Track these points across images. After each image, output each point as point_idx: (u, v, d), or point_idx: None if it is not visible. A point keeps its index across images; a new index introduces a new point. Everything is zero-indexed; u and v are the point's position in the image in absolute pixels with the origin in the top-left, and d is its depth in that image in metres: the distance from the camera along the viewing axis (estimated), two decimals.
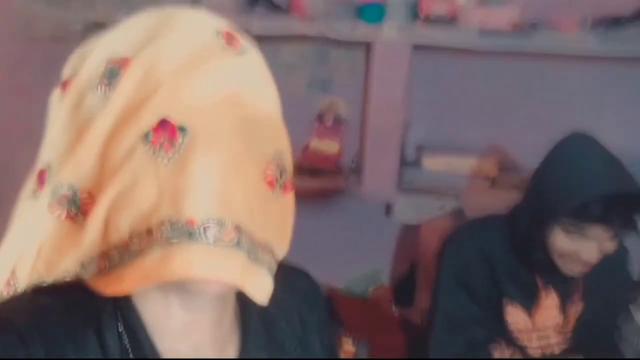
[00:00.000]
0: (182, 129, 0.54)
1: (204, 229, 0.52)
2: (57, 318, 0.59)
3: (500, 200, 2.06)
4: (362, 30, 2.03)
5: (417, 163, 2.24)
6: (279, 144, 0.61)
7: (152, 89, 0.55)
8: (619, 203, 1.36)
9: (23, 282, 0.61)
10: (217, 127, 0.55)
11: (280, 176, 0.60)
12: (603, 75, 2.19)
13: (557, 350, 1.62)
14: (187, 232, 0.52)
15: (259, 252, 0.56)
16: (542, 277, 1.56)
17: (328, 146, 2.27)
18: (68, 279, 0.60)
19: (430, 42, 2.01)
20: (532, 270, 1.55)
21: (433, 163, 2.19)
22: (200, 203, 0.52)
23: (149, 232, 0.53)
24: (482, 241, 1.59)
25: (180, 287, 0.58)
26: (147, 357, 0.60)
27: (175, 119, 0.54)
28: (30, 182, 0.61)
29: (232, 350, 0.68)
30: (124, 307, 0.61)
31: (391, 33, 2.00)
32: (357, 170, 2.26)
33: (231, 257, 0.53)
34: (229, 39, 0.59)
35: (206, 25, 0.60)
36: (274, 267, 0.58)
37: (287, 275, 0.63)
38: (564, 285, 1.56)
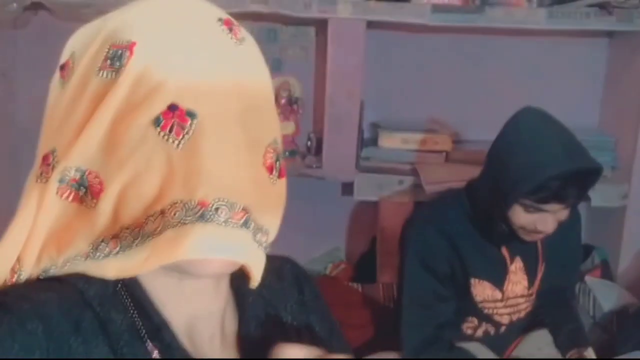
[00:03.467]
0: (191, 114, 0.56)
1: (216, 209, 0.54)
2: (54, 299, 0.57)
3: (455, 173, 2.10)
4: (316, 8, 2.00)
5: (373, 141, 2.25)
6: (275, 131, 0.63)
7: (159, 73, 0.56)
8: (574, 179, 1.40)
9: (28, 268, 0.59)
10: (223, 113, 0.57)
11: (277, 162, 0.62)
12: (550, 48, 2.25)
13: (523, 315, 1.68)
14: (199, 213, 0.54)
15: (258, 234, 0.58)
16: (507, 247, 1.60)
17: (283, 127, 2.24)
18: (76, 261, 0.58)
19: (383, 18, 2.01)
20: (496, 242, 1.58)
21: (389, 140, 2.20)
22: (211, 185, 0.54)
23: (163, 212, 0.55)
24: (443, 221, 1.59)
25: (185, 267, 0.58)
26: (157, 327, 0.60)
27: (184, 103, 0.56)
28: (36, 168, 0.61)
29: (232, 322, 0.69)
30: (128, 283, 0.61)
31: (346, 10, 1.98)
32: (310, 149, 2.25)
33: (240, 237, 0.55)
34: (230, 26, 0.60)
35: (208, 11, 0.61)
36: (267, 250, 0.60)
37: (272, 262, 0.64)
38: (527, 250, 1.61)
